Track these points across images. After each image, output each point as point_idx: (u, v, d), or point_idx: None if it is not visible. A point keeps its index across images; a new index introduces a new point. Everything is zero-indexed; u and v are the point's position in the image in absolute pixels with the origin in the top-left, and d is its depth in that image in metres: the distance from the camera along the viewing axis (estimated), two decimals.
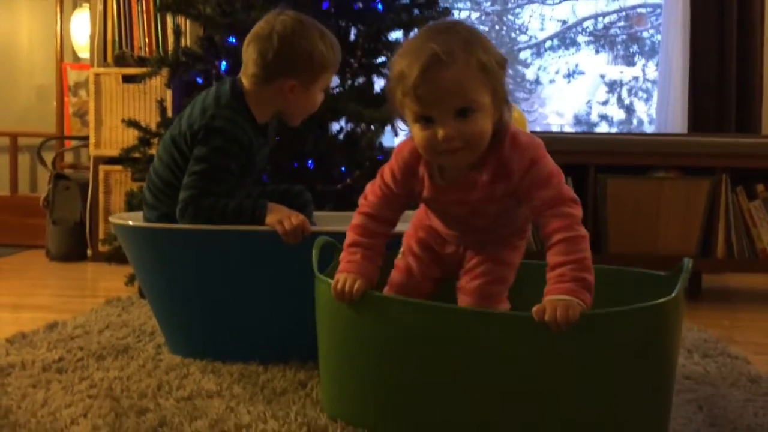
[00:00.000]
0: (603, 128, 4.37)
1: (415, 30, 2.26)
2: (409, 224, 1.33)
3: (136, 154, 2.29)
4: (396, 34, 2.30)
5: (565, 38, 4.51)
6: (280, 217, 1.46)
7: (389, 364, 1.10)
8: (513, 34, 4.53)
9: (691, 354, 1.64)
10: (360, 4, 2.27)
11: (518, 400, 1.03)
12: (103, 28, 3.12)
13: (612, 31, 4.48)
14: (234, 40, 2.13)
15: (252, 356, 1.49)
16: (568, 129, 4.36)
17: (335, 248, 1.30)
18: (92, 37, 3.15)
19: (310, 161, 2.12)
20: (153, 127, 2.31)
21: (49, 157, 3.40)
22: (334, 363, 1.18)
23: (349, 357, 1.15)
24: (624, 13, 4.45)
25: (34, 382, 1.34)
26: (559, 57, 4.48)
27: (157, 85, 2.89)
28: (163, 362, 1.49)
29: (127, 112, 2.98)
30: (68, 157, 3.65)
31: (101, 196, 3.05)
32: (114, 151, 2.76)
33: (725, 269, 2.59)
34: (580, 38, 4.51)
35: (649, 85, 4.32)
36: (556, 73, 4.47)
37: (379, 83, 2.31)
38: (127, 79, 3.03)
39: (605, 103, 4.45)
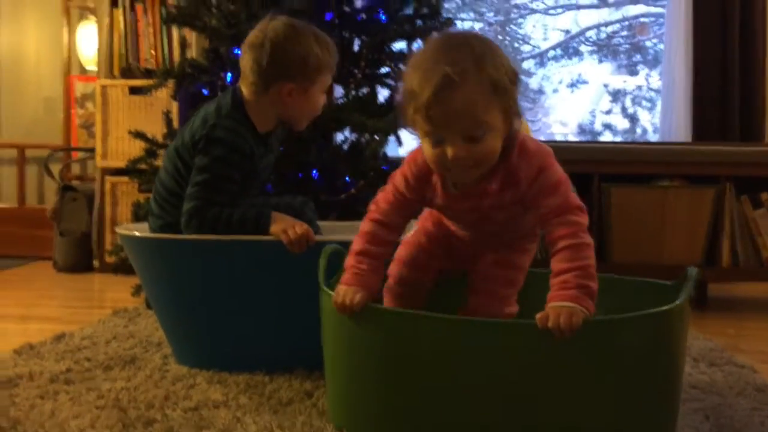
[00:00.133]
0: (607, 137, 4.38)
1: (419, 41, 2.28)
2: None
3: (143, 166, 2.30)
4: (399, 45, 2.31)
5: (568, 48, 4.53)
6: (284, 227, 1.47)
7: (392, 375, 1.10)
8: (516, 44, 4.55)
9: (697, 363, 1.64)
10: (363, 16, 2.29)
11: (522, 408, 1.03)
12: (110, 41, 3.15)
13: (615, 41, 4.50)
14: (239, 52, 2.14)
15: (258, 366, 1.49)
16: (572, 138, 4.37)
17: (343, 256, 1.31)
18: (99, 50, 3.18)
19: (314, 171, 2.13)
20: (159, 138, 2.32)
21: (56, 168, 3.42)
22: (339, 373, 1.19)
23: (353, 368, 1.16)
24: (627, 23, 4.46)
25: (41, 393, 1.34)
26: (563, 67, 4.49)
27: (164, 96, 2.90)
28: (170, 373, 1.50)
29: (133, 124, 2.99)
30: (75, 169, 3.68)
31: (108, 207, 3.07)
32: (120, 163, 2.78)
33: (730, 278, 2.59)
34: (583, 48, 4.53)
35: (652, 94, 4.32)
36: (560, 82, 4.48)
37: (383, 93, 2.32)
38: (134, 90, 3.05)
39: (609, 112, 4.46)
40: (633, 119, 4.44)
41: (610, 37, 4.48)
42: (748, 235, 2.47)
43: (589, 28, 4.49)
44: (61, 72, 3.62)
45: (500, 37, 4.49)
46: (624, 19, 4.44)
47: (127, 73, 3.11)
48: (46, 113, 3.75)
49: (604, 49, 4.50)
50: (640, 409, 1.07)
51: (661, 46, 3.87)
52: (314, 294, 1.23)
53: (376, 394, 1.13)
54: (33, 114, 3.77)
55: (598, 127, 4.44)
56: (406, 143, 2.12)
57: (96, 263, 3.10)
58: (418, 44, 2.30)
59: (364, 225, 1.22)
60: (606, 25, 4.48)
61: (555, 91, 4.47)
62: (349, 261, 1.19)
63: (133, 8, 3.15)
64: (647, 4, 4.31)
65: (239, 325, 1.52)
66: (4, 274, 3.01)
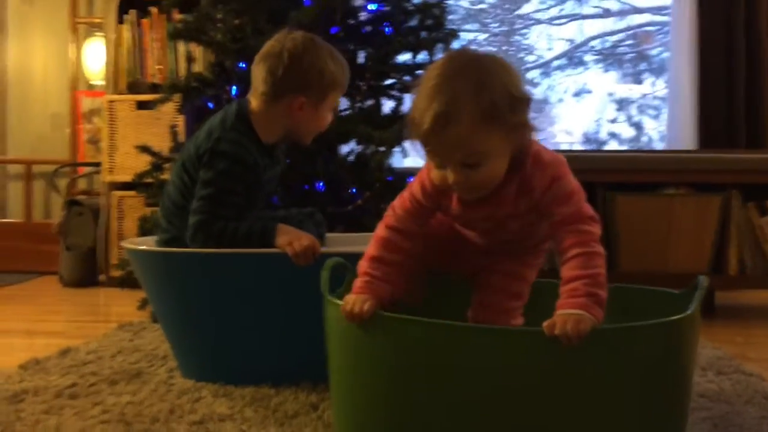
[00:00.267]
0: (613, 146, 4.37)
1: (424, 53, 2.29)
2: None
3: (149, 180, 2.31)
4: (404, 57, 2.32)
5: (573, 57, 4.53)
6: (290, 239, 1.47)
7: (400, 385, 1.09)
8: (520, 55, 4.56)
9: (705, 372, 1.63)
10: (368, 28, 2.31)
11: (530, 417, 1.03)
12: (117, 56, 3.17)
13: (620, 50, 4.50)
14: (245, 66, 2.16)
15: (264, 379, 1.49)
16: (577, 147, 4.37)
17: (346, 269, 1.30)
18: (106, 65, 3.20)
19: (320, 183, 2.14)
20: (165, 152, 2.34)
21: (62, 183, 3.44)
22: (345, 385, 1.18)
23: (359, 378, 1.15)
24: (631, 32, 4.47)
25: (47, 408, 1.34)
26: (567, 76, 4.49)
27: (170, 110, 2.92)
28: (176, 386, 1.50)
29: (140, 138, 3.00)
30: (81, 184, 3.69)
31: (114, 222, 3.08)
32: (127, 177, 2.79)
33: (738, 286, 2.57)
34: (588, 57, 4.53)
35: (658, 102, 4.32)
36: (565, 92, 4.48)
37: (388, 105, 2.33)
38: (141, 105, 3.07)
39: (614, 121, 4.46)
40: (638, 128, 4.43)
41: (614, 46, 4.48)
42: (754, 242, 2.46)
43: (593, 38, 4.49)
44: (68, 88, 3.65)
45: (504, 48, 4.50)
46: (628, 28, 4.44)
47: (133, 87, 3.13)
48: (53, 129, 3.78)
49: (609, 58, 4.50)
50: (649, 418, 1.06)
51: (666, 55, 3.87)
52: (320, 306, 1.23)
53: (382, 404, 1.12)
54: (40, 130, 3.80)
55: (603, 135, 4.43)
56: (411, 155, 2.13)
57: (102, 278, 3.11)
58: (423, 56, 2.31)
59: (380, 231, 1.22)
60: (611, 34, 4.48)
61: (560, 100, 4.46)
62: (363, 266, 1.19)
63: (139, 24, 3.17)
64: (652, 13, 4.32)
65: (245, 338, 1.52)
66: (10, 289, 3.02)
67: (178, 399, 1.40)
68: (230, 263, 1.48)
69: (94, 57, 3.57)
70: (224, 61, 2.23)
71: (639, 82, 4.47)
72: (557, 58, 4.53)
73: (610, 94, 4.47)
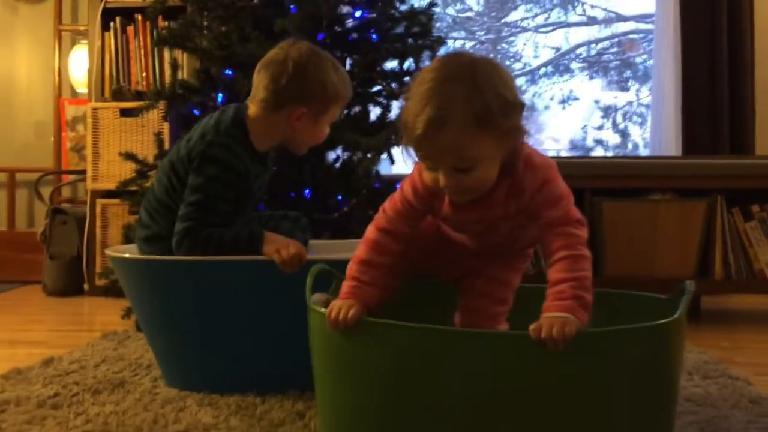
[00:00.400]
0: (598, 152, 4.40)
1: (410, 60, 2.29)
2: None
3: (134, 187, 2.29)
4: (391, 64, 2.32)
5: (559, 65, 4.56)
6: (277, 247, 1.46)
7: (385, 390, 1.08)
8: (507, 62, 4.58)
9: (691, 376, 1.63)
10: (355, 35, 2.30)
11: (518, 420, 1.02)
12: (101, 63, 3.15)
13: (605, 57, 4.53)
14: (230, 73, 2.15)
15: (250, 387, 1.48)
16: (564, 154, 4.39)
17: (332, 276, 1.30)
18: (90, 72, 3.18)
19: (306, 190, 2.13)
20: (150, 159, 2.32)
21: (46, 192, 3.40)
22: (330, 392, 1.17)
23: (344, 385, 1.14)
24: (616, 40, 4.50)
25: (29, 419, 1.32)
26: (554, 83, 4.52)
27: (155, 118, 2.91)
28: (160, 396, 1.48)
29: (124, 146, 2.99)
30: (65, 192, 3.66)
31: (98, 230, 3.05)
32: (111, 185, 2.77)
33: (723, 290, 2.59)
34: (574, 65, 4.56)
35: (643, 109, 4.35)
36: (551, 99, 4.50)
37: (374, 112, 2.33)
38: (125, 112, 3.04)
39: (600, 128, 4.48)
40: (624, 134, 4.46)
41: (600, 53, 4.51)
42: (740, 247, 2.47)
43: (579, 45, 4.53)
44: (52, 95, 3.62)
45: (492, 56, 4.52)
46: (613, 36, 4.48)
47: (117, 95, 3.11)
48: (36, 137, 3.74)
49: (595, 65, 4.53)
50: (636, 422, 1.05)
51: (651, 62, 3.90)
52: (306, 314, 1.21)
53: (368, 410, 1.11)
54: (24, 138, 3.76)
55: (589, 142, 4.46)
56: (399, 161, 2.13)
57: (86, 286, 3.07)
58: (409, 63, 2.32)
59: (370, 233, 1.21)
60: (596, 42, 4.52)
61: (547, 107, 4.49)
62: (351, 269, 1.18)
63: (124, 31, 3.16)
64: (637, 21, 4.35)
65: (230, 346, 1.50)
66: None
67: (162, 408, 1.39)
68: (215, 271, 1.47)
69: (79, 65, 3.55)
70: (210, 68, 2.22)
71: (624, 89, 4.50)
72: (544, 65, 4.56)
73: (596, 102, 4.50)
